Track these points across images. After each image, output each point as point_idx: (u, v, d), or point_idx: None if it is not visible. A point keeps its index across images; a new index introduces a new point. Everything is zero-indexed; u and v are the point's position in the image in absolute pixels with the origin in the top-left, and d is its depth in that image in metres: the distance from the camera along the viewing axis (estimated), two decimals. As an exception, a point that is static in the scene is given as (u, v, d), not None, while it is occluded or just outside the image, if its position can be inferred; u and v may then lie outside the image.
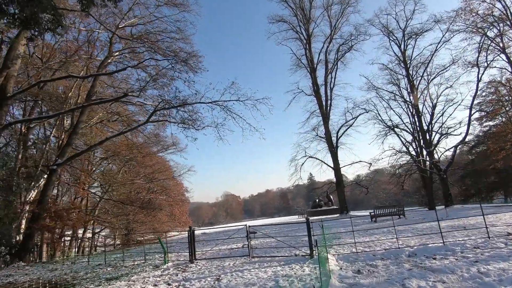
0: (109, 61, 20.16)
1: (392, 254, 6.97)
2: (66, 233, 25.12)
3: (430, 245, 7.29)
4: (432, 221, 12.83)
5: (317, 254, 7.37)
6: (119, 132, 19.37)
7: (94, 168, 27.19)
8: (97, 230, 28.96)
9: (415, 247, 7.32)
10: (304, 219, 7.71)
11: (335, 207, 38.34)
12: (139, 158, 26.68)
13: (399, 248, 7.40)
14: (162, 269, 8.20)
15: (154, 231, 39.73)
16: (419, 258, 6.43)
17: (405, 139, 27.98)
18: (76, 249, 25.42)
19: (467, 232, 8.82)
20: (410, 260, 6.40)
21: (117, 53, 20.30)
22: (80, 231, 25.95)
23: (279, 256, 8.15)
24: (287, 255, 8.29)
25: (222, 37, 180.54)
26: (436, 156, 25.89)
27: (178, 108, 17.14)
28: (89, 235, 27.35)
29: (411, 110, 28.17)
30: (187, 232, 8.63)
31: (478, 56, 23.69)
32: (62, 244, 22.70)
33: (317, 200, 43.45)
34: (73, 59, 17.90)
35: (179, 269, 8.05)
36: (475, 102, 24.83)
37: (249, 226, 8.32)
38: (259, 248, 10.22)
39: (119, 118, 24.36)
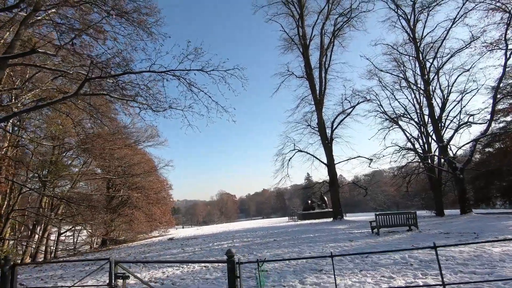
0: (40, 18, 15.66)
1: None
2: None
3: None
4: (468, 242, 8.42)
5: None
6: (33, 106, 14.71)
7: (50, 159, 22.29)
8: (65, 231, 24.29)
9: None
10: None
11: (329, 209, 34.04)
12: (97, 149, 21.71)
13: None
14: None
15: (132, 232, 35.12)
16: None
17: (410, 134, 23.58)
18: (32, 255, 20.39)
19: None
20: None
21: (51, 8, 15.77)
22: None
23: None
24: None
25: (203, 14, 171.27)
26: (450, 152, 21.48)
27: (118, 77, 12.63)
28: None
29: (419, 100, 23.82)
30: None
31: (507, 31, 19.31)
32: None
33: (309, 202, 39.11)
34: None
35: None
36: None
37: (117, 263, 3.85)
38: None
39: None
